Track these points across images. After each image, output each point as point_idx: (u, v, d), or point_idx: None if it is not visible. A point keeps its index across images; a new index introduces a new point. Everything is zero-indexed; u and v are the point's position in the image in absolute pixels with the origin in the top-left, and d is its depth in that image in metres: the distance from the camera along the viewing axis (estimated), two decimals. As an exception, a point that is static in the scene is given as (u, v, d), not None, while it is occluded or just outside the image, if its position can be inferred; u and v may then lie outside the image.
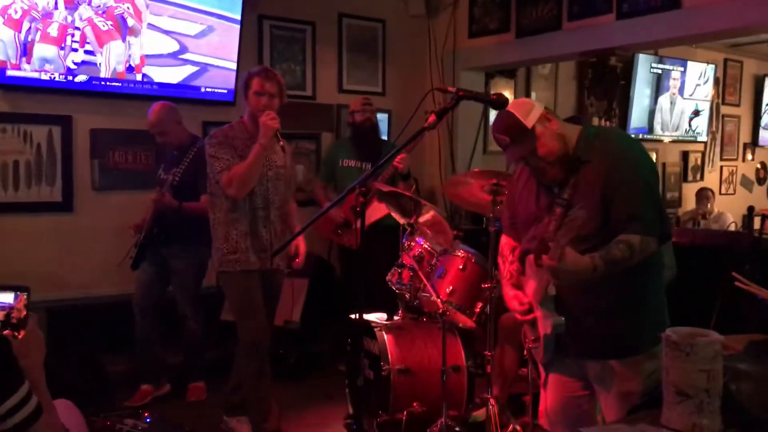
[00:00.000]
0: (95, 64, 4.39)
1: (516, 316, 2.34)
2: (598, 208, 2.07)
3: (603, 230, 2.06)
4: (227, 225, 3.41)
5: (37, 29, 4.16)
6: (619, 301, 2.14)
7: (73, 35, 4.28)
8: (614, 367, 2.16)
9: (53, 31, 4.22)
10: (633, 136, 5.82)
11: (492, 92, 5.82)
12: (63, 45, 4.26)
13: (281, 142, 3.29)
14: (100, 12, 4.35)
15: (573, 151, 2.14)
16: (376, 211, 3.95)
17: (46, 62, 4.22)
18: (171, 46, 4.67)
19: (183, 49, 4.71)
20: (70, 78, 4.33)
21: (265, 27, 5.24)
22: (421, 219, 3.54)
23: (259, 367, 3.49)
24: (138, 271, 4.16)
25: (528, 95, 6.47)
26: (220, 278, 3.72)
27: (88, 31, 4.32)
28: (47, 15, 4.18)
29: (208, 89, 4.84)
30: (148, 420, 3.20)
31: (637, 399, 2.10)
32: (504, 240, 2.49)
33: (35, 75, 4.22)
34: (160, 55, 4.64)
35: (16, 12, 4.08)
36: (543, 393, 2.42)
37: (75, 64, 4.32)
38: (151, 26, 4.55)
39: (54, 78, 4.28)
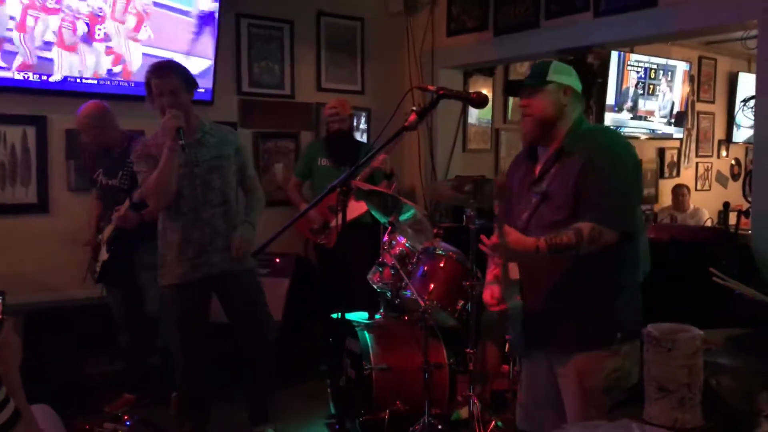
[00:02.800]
0: (70, 64, 4.33)
1: (489, 308, 2.37)
2: (570, 197, 2.11)
3: (571, 219, 2.09)
4: (160, 237, 3.29)
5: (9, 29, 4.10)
6: (584, 295, 2.16)
7: (44, 34, 4.23)
8: (576, 361, 2.18)
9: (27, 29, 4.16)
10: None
11: (471, 90, 5.85)
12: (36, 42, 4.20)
13: (180, 141, 3.01)
14: (73, 11, 4.29)
15: (562, 135, 2.18)
16: (353, 209, 3.94)
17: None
18: (147, 45, 4.62)
19: (160, 47, 4.66)
20: (44, 78, 4.27)
21: (243, 25, 5.20)
22: (402, 217, 3.54)
23: (190, 387, 3.38)
24: (108, 287, 4.08)
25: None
26: None
27: (65, 29, 4.27)
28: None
29: (185, 88, 4.79)
30: (128, 423, 3.17)
31: (597, 395, 2.12)
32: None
33: (8, 75, 4.15)
34: (137, 54, 4.59)
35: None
36: (519, 388, 2.46)
37: (47, 61, 4.26)
38: (126, 24, 4.50)
39: (28, 78, 4.22)
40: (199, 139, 3.24)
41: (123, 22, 4.50)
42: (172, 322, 3.30)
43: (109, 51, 4.48)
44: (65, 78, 4.34)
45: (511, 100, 6.53)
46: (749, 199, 3.96)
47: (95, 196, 4.14)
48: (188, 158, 3.17)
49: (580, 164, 2.11)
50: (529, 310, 2.21)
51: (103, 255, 3.99)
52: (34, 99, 4.35)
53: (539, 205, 2.17)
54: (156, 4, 4.59)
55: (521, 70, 6.49)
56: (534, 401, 2.36)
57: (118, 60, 4.52)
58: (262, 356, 3.43)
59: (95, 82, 4.45)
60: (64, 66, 4.32)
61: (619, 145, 2.21)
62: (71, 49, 4.33)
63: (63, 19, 4.26)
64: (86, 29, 4.36)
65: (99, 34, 4.42)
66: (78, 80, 4.39)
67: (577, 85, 2.24)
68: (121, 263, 3.96)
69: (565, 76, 2.21)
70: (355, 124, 5.27)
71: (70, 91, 4.37)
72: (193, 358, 3.31)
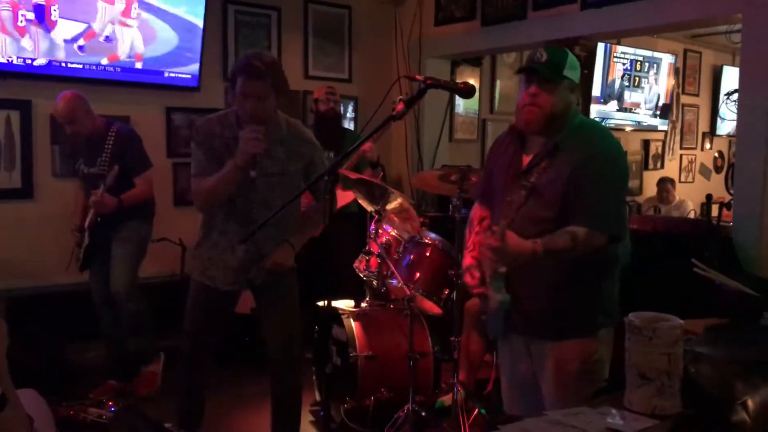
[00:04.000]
0: (57, 47, 4.29)
1: (468, 289, 2.39)
2: (560, 196, 2.11)
3: (559, 216, 2.11)
4: (203, 229, 2.96)
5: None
6: (563, 284, 2.19)
7: (27, 17, 4.19)
8: (553, 348, 2.21)
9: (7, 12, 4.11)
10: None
11: (458, 80, 5.86)
12: (21, 27, 4.15)
13: (252, 174, 2.66)
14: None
15: (557, 130, 2.17)
16: (340, 198, 3.95)
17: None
18: (134, 30, 4.58)
19: (147, 33, 4.63)
20: (29, 61, 4.23)
21: (230, 12, 5.18)
22: (389, 206, 3.56)
23: (189, 382, 3.15)
24: (91, 273, 4.07)
25: (493, 83, 6.52)
26: None
27: (53, 11, 4.23)
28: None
29: (171, 74, 4.77)
30: (112, 410, 3.16)
31: (573, 382, 2.15)
32: (475, 209, 2.51)
33: (-8, 58, 4.12)
34: (123, 39, 4.55)
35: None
36: (500, 374, 2.48)
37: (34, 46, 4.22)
38: (112, 10, 4.47)
39: (12, 61, 4.18)
40: (268, 150, 2.77)
41: (113, 3, 4.45)
42: (189, 313, 3.04)
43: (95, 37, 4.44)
44: (50, 62, 4.30)
45: (498, 90, 6.55)
46: (731, 191, 4.01)
47: (79, 186, 4.12)
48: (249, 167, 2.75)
49: (574, 164, 2.11)
50: (514, 299, 2.23)
51: (85, 241, 3.99)
52: (19, 83, 4.31)
53: (527, 199, 2.17)
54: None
55: (508, 61, 6.51)
56: (517, 386, 2.38)
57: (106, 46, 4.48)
58: (287, 376, 3.07)
59: (80, 66, 4.41)
60: (51, 50, 4.28)
61: (613, 147, 2.21)
62: (58, 31, 4.29)
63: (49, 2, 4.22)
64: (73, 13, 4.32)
65: (85, 20, 4.38)
66: (63, 64, 4.35)
67: (578, 81, 2.23)
68: (102, 248, 3.96)
69: (575, 71, 2.19)
70: (342, 111, 5.26)
71: (55, 75, 4.33)
72: (200, 354, 3.10)
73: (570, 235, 2.05)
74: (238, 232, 2.84)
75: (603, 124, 6.02)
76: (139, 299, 4.01)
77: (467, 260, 2.40)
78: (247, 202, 2.83)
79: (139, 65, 4.62)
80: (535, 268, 2.16)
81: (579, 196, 2.09)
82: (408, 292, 3.31)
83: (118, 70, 4.54)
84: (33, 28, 4.20)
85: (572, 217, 2.09)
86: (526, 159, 2.24)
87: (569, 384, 2.16)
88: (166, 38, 4.70)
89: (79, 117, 3.87)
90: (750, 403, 1.59)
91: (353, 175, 3.65)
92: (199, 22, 4.78)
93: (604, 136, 2.25)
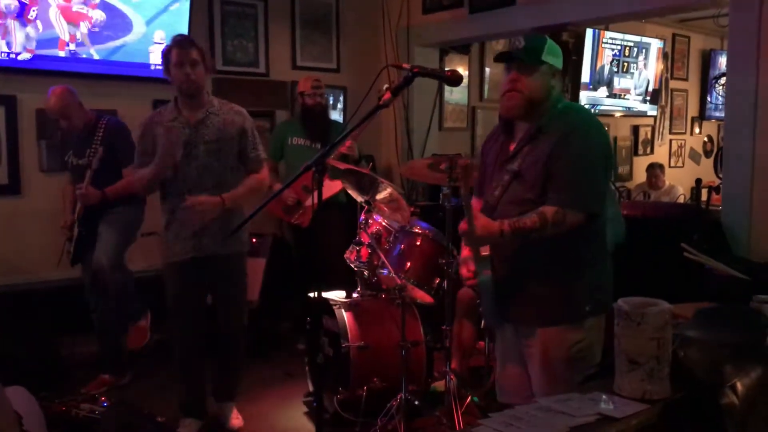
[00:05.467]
0: (40, 41, 4.25)
1: (465, 283, 2.40)
2: (541, 176, 2.13)
3: (542, 197, 2.12)
4: (161, 213, 3.32)
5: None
6: (550, 270, 2.19)
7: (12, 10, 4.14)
8: (541, 334, 2.21)
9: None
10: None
11: (447, 68, 5.83)
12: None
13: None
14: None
15: (540, 115, 2.18)
16: (327, 188, 3.93)
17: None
18: (120, 22, 4.54)
19: (131, 25, 4.59)
20: (13, 56, 4.18)
21: (216, 2, 5.14)
22: (379, 196, 3.55)
23: (186, 366, 3.40)
24: (83, 265, 4.08)
25: (482, 71, 6.50)
26: None
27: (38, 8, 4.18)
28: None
29: (158, 66, 4.71)
30: (105, 404, 3.16)
31: (561, 368, 2.16)
32: (474, 203, 2.51)
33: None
34: (109, 32, 4.50)
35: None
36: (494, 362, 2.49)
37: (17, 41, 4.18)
38: (100, 2, 4.42)
39: (-6, 56, 4.14)
40: (202, 120, 3.22)
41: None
42: (170, 300, 3.33)
43: (81, 29, 4.39)
44: (35, 56, 4.25)
45: (487, 78, 6.54)
46: (720, 175, 4.02)
47: (68, 180, 4.11)
48: (188, 139, 3.17)
49: (552, 144, 2.12)
50: (498, 284, 2.24)
51: (75, 232, 4.00)
52: (2, 78, 4.27)
53: (510, 183, 2.19)
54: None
55: (497, 48, 6.49)
56: (509, 374, 2.39)
57: (90, 38, 4.44)
58: (233, 339, 3.48)
59: (66, 60, 4.36)
60: (35, 43, 4.24)
61: (588, 125, 2.21)
62: (42, 24, 4.25)
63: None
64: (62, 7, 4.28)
65: (71, 12, 4.33)
66: (48, 58, 4.30)
67: (561, 67, 2.24)
68: (92, 239, 3.97)
69: (556, 58, 2.20)
70: (330, 102, 5.23)
71: (40, 69, 4.29)
72: (189, 336, 3.35)
73: (538, 215, 2.06)
74: (182, 199, 3.17)
75: (588, 108, 6.04)
76: (125, 271, 4.03)
77: (465, 253, 2.41)
78: (190, 169, 3.18)
79: (124, 58, 4.58)
80: (520, 255, 2.16)
81: (552, 175, 2.11)
82: (399, 282, 3.31)
83: (105, 63, 4.49)
84: (13, 22, 4.15)
85: (547, 196, 2.10)
86: (513, 147, 2.26)
87: (555, 371, 2.17)
88: (154, 30, 4.65)
89: (72, 111, 3.93)
90: (739, 386, 1.60)
91: (342, 166, 3.64)
92: (185, 14, 4.74)
93: (582, 117, 2.26)
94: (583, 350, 2.18)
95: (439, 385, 3.57)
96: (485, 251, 2.19)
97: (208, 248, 3.25)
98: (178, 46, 3.16)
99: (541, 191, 2.13)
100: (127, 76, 4.60)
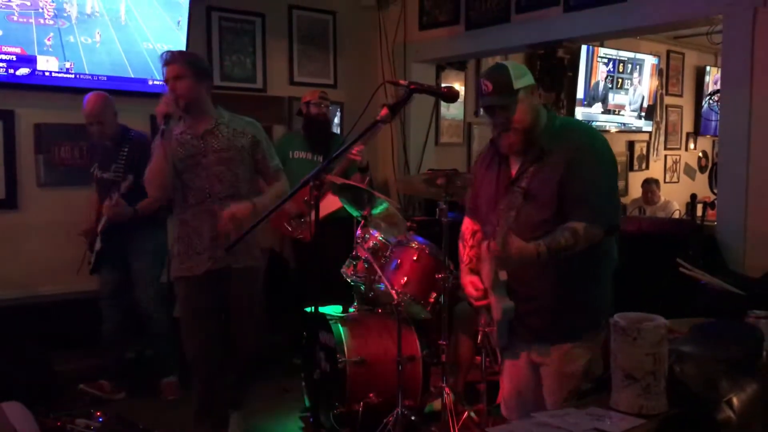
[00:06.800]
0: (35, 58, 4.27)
1: (471, 302, 2.38)
2: (554, 195, 2.13)
3: (557, 217, 2.12)
4: (173, 229, 3.32)
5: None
6: (567, 287, 2.19)
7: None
8: (558, 350, 2.22)
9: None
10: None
11: (443, 85, 5.88)
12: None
13: (162, 127, 3.04)
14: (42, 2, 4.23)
15: (538, 135, 2.19)
16: (330, 203, 3.94)
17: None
18: (119, 38, 4.56)
19: (130, 41, 4.61)
20: (11, 71, 4.20)
21: (214, 18, 5.17)
22: (375, 211, 3.56)
23: (205, 383, 3.35)
24: (101, 277, 4.10)
25: (478, 87, 6.52)
26: None
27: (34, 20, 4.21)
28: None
29: (156, 82, 4.75)
30: (100, 420, 3.14)
31: (576, 381, 2.17)
32: (466, 223, 2.51)
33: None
34: (107, 48, 4.53)
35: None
36: (501, 380, 2.48)
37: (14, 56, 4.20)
38: (97, 17, 4.45)
39: (-7, 71, 4.15)
40: (211, 130, 3.21)
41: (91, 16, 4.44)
42: (182, 315, 3.31)
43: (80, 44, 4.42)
44: (33, 71, 4.27)
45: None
46: (715, 190, 4.05)
47: (95, 190, 4.14)
48: (196, 149, 3.18)
49: (563, 164, 2.12)
50: (517, 305, 2.23)
51: (97, 245, 4.01)
52: (1, 93, 4.28)
53: (523, 203, 2.17)
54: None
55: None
56: (518, 393, 2.39)
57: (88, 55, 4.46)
58: (244, 351, 3.46)
59: (64, 75, 4.38)
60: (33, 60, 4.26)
61: (598, 140, 2.24)
62: (41, 39, 4.27)
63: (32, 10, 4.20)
64: (56, 21, 4.30)
65: (68, 27, 4.35)
66: (47, 74, 4.32)
67: (531, 79, 2.23)
68: (115, 252, 4.01)
69: (524, 76, 2.19)
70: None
71: (38, 84, 4.31)
72: (204, 351, 3.29)
73: (570, 232, 2.06)
74: (198, 210, 3.17)
75: (586, 123, 6.06)
76: (162, 311, 4.09)
77: (465, 274, 2.40)
78: (201, 180, 3.17)
79: (123, 74, 4.60)
80: (540, 275, 2.16)
81: (573, 193, 2.11)
82: (396, 297, 3.31)
83: (103, 78, 4.51)
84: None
85: (569, 213, 2.10)
86: (514, 168, 2.25)
87: (570, 387, 2.17)
88: (151, 46, 4.68)
89: (107, 117, 3.98)
90: (735, 401, 1.61)
91: (339, 181, 3.65)
92: (183, 30, 4.77)
93: (588, 133, 2.29)
94: (593, 364, 2.19)
95: (436, 403, 3.56)
96: (504, 276, 2.18)
97: (223, 261, 3.19)
98: (163, 63, 3.19)
99: (554, 211, 2.12)
100: (125, 92, 4.61)
